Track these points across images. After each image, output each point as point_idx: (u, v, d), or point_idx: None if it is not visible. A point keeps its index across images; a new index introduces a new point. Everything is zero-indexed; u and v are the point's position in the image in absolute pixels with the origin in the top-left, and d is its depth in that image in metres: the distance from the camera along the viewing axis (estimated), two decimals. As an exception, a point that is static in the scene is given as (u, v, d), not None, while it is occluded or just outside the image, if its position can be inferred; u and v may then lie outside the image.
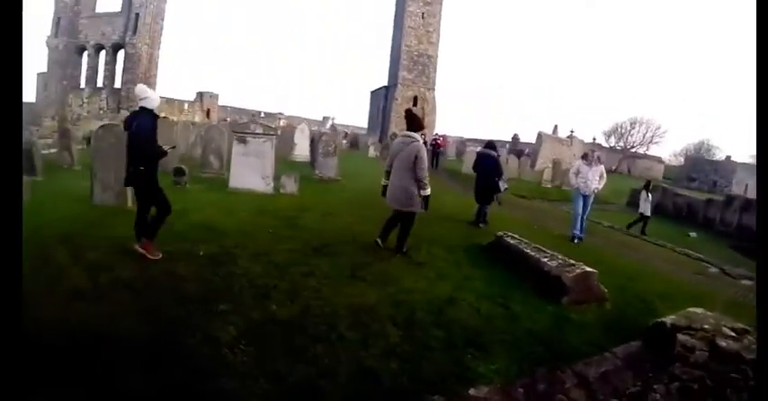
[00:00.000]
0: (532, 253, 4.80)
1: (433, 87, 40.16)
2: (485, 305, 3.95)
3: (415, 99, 38.93)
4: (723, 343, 3.12)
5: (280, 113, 43.60)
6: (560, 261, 4.54)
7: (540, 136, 31.38)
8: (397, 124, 35.33)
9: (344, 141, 28.39)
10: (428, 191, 4.92)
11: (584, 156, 8.18)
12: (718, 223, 18.73)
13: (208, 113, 36.81)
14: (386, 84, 42.45)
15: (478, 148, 9.70)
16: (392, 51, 42.06)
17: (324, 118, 42.35)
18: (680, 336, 3.23)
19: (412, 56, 38.91)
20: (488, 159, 7.91)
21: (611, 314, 4.15)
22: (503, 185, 7.84)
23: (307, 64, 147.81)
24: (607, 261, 6.41)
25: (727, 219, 18.85)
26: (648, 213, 13.04)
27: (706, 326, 3.34)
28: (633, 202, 21.18)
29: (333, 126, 39.59)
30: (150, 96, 4.12)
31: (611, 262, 6.38)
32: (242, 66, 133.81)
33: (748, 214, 18.29)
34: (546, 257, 4.64)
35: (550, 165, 22.97)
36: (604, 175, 7.94)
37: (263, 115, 41.35)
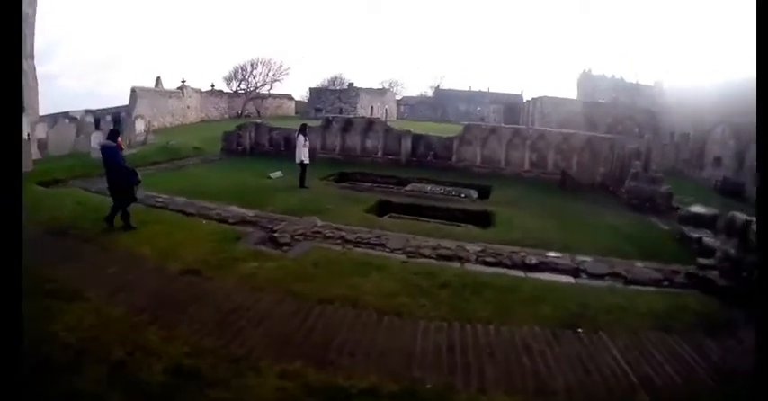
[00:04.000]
0: None
1: (32, 55, 28.18)
2: None
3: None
4: None
5: None
6: None
7: (133, 92, 24.33)
8: None
9: None
10: None
11: None
12: (319, 150, 17.19)
13: None
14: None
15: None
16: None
17: None
18: None
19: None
20: (109, 151, 7.02)
21: None
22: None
23: None
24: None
25: (329, 144, 17.78)
26: (306, 160, 11.92)
27: None
28: (227, 148, 17.95)
29: None
30: None
31: None
32: None
33: (350, 134, 17.69)
34: None
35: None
36: None
37: None
